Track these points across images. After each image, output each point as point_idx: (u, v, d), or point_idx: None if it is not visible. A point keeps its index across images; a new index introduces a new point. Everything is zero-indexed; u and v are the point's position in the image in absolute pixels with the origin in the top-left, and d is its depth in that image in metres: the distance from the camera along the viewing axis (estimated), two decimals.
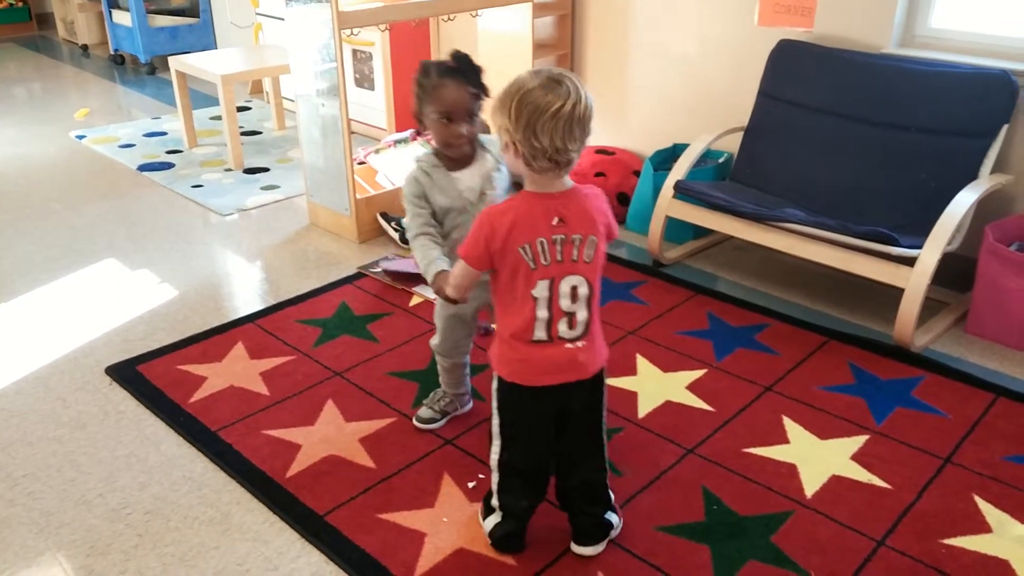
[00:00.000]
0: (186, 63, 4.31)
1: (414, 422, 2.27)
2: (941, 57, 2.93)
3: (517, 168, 1.62)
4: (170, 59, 4.39)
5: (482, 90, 1.93)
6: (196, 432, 2.25)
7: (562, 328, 1.65)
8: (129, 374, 2.51)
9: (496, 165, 2.00)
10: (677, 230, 3.32)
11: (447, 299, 1.80)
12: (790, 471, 2.11)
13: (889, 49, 3.04)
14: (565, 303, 1.64)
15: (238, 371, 2.53)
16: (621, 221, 3.63)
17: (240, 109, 5.11)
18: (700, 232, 3.40)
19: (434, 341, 2.22)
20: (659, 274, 3.16)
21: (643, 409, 2.35)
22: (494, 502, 1.85)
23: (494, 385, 1.76)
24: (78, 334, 2.76)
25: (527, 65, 3.68)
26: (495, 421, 1.79)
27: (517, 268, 1.62)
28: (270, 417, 2.31)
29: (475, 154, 2.00)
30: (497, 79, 1.71)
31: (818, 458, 2.15)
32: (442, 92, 1.90)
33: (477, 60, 1.94)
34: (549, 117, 1.50)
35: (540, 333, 1.65)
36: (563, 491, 1.85)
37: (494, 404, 1.78)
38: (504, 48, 3.87)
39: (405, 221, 2.01)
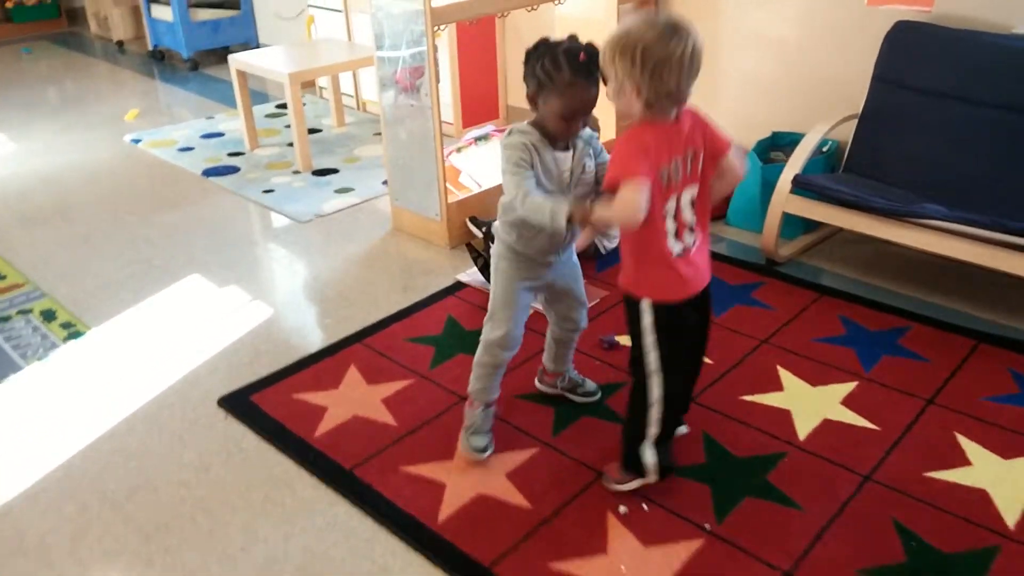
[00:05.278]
0: (247, 62, 4.12)
1: (473, 455, 2.09)
2: None
3: (632, 108, 1.67)
4: (229, 57, 4.20)
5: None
6: (330, 471, 2.10)
7: (686, 237, 1.78)
8: (244, 406, 2.36)
9: (587, 151, 1.91)
10: (786, 225, 3.13)
11: (597, 227, 1.76)
12: (983, 498, 1.94)
13: (1021, 29, 2.84)
14: (686, 214, 1.76)
15: (357, 399, 2.38)
16: (720, 217, 3.44)
17: None
18: (808, 226, 3.22)
19: (495, 333, 2.03)
20: (776, 273, 2.99)
21: (802, 430, 2.19)
22: (651, 431, 1.88)
23: (647, 322, 1.79)
24: (178, 361, 2.60)
25: None
26: (653, 357, 1.81)
27: (654, 188, 1.68)
28: (404, 451, 2.16)
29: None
30: None
31: (1010, 481, 1.99)
32: (574, 92, 1.79)
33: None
34: (676, 63, 1.59)
35: (675, 246, 1.76)
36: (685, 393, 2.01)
37: (650, 340, 1.80)
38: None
39: (509, 193, 1.84)
